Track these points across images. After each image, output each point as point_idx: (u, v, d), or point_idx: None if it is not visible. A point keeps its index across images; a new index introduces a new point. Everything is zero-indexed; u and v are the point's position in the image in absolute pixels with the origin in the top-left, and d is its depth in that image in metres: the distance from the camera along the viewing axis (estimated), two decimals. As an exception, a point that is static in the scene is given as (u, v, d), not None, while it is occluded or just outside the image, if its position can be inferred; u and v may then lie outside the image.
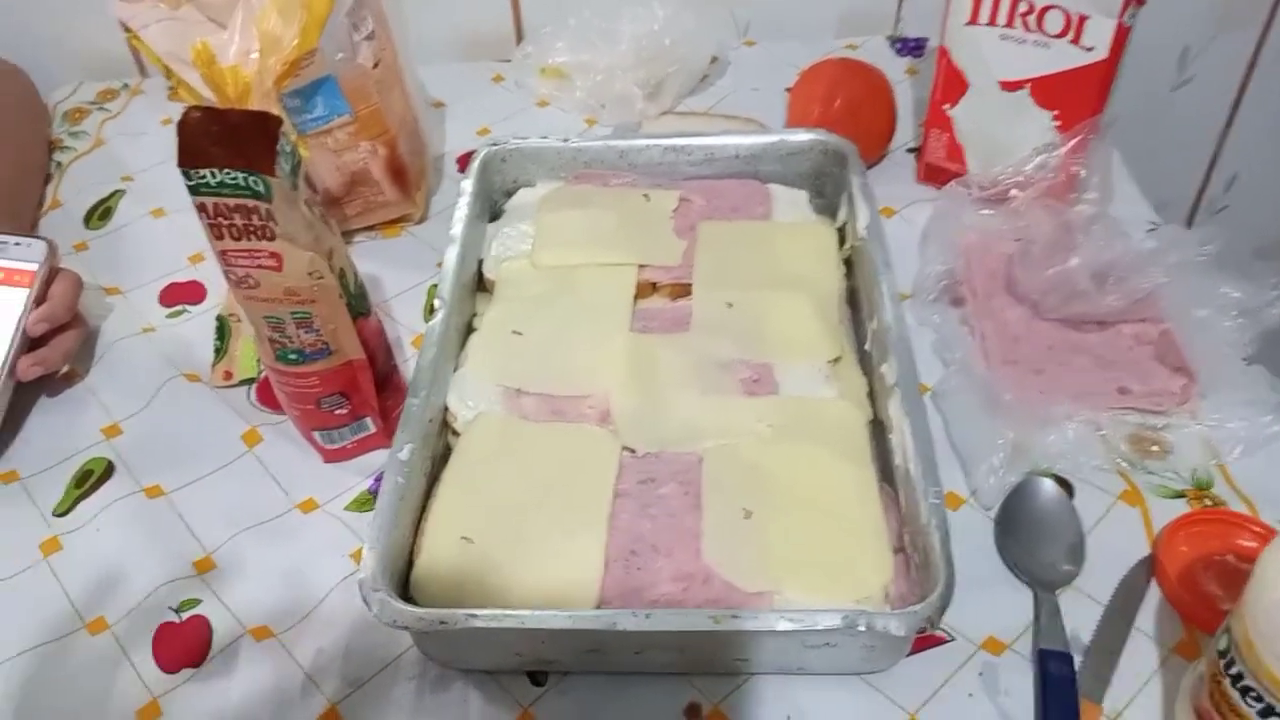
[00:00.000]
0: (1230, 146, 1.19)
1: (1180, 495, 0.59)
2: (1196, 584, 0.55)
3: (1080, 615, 0.54)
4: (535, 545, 0.52)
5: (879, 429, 0.60)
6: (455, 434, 0.60)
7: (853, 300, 0.69)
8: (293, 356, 0.57)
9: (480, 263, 0.71)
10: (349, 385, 0.59)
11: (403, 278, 0.76)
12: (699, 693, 0.52)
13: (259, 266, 0.53)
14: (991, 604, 0.54)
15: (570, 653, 0.51)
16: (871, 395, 0.62)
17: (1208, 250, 0.64)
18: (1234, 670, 0.42)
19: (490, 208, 0.76)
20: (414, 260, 0.77)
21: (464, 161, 0.86)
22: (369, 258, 0.77)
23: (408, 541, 0.53)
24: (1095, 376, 0.65)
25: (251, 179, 0.49)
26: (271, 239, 0.52)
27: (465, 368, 0.63)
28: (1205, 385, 0.63)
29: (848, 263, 0.71)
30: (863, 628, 0.46)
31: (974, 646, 0.53)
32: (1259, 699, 0.41)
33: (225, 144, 0.49)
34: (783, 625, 0.47)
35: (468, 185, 0.73)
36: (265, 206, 0.50)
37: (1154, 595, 0.55)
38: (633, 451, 0.58)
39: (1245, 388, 0.62)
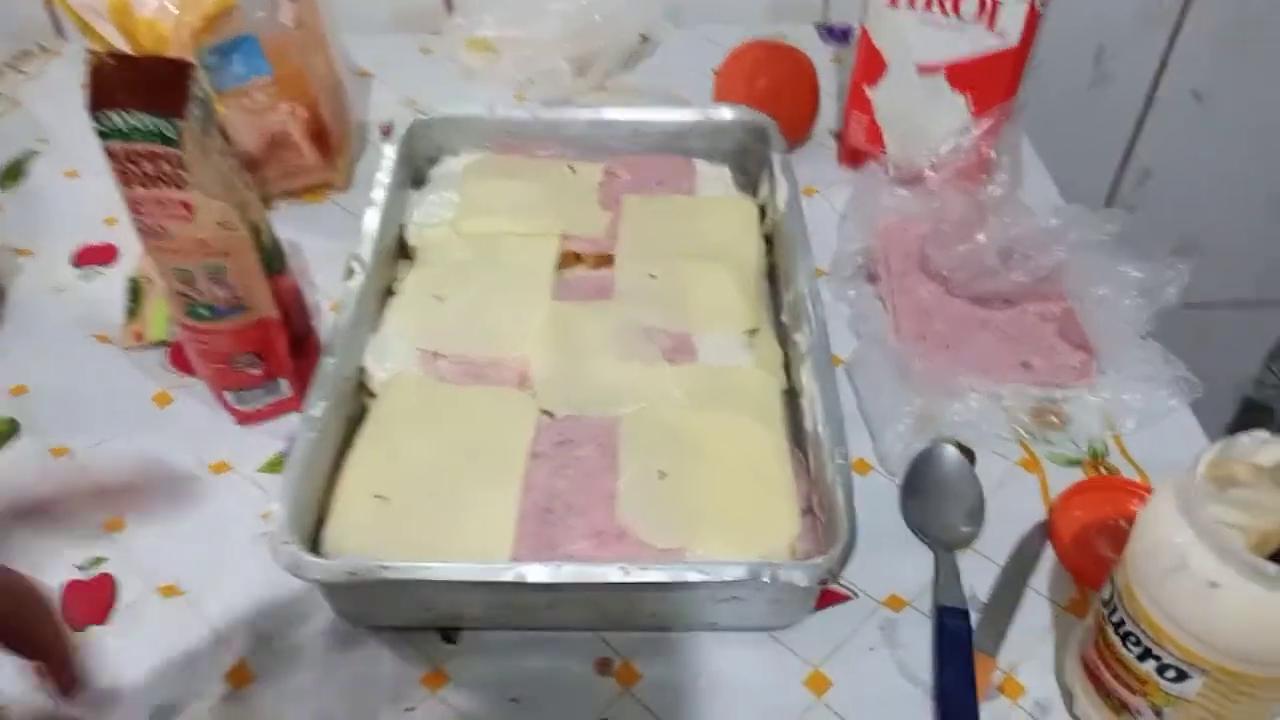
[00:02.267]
0: (1141, 144, 1.24)
1: (1076, 463, 0.62)
2: (1089, 546, 0.57)
3: (978, 575, 0.56)
4: (449, 503, 0.53)
5: (792, 398, 0.61)
6: (371, 396, 0.60)
7: (772, 276, 0.70)
8: (204, 312, 0.56)
9: (402, 229, 0.71)
10: (262, 344, 0.59)
11: (324, 244, 0.75)
12: (610, 648, 0.52)
13: (170, 216, 0.52)
14: (894, 563, 0.56)
15: (482, 607, 0.52)
16: (787, 366, 0.63)
17: (1110, 230, 0.67)
18: (1116, 617, 0.45)
19: (414, 175, 0.75)
20: (336, 227, 0.77)
21: (389, 129, 0.85)
22: (290, 223, 0.76)
23: (319, 499, 0.53)
24: (1000, 351, 0.68)
25: (162, 124, 0.48)
26: (182, 187, 0.51)
27: (383, 330, 0.63)
28: (1104, 361, 0.66)
29: (768, 239, 0.72)
30: (767, 578, 0.47)
31: (876, 603, 0.55)
32: (1138, 643, 0.43)
33: (136, 89, 0.48)
34: (690, 576, 0.48)
35: (391, 151, 0.72)
36: (176, 153, 0.50)
37: (1048, 557, 0.57)
38: (551, 415, 0.59)
39: (1142, 363, 0.65)
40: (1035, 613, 0.55)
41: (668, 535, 0.52)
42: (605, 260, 0.69)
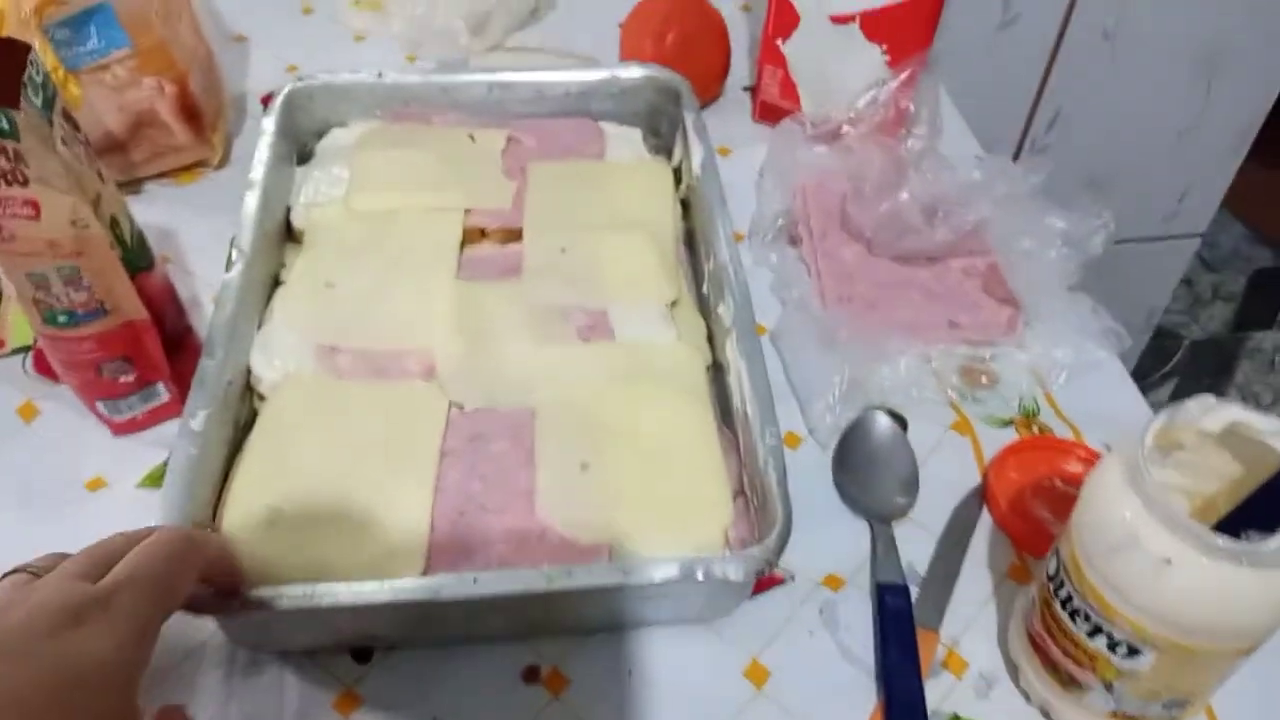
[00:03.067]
0: (1052, 85, 1.23)
1: (1008, 424, 0.60)
2: (1026, 510, 0.56)
3: (915, 546, 0.54)
4: (353, 513, 0.48)
5: (718, 372, 0.58)
6: (262, 398, 0.55)
7: (690, 242, 0.67)
8: (62, 319, 0.50)
9: (288, 210, 0.65)
10: (132, 349, 0.53)
11: (201, 229, 0.69)
12: (536, 655, 0.49)
13: (13, 216, 0.46)
14: (829, 540, 0.54)
15: (395, 626, 0.48)
16: (710, 338, 0.60)
17: (1033, 181, 0.65)
18: (1063, 593, 0.43)
19: (298, 150, 0.70)
20: (213, 209, 0.70)
21: (269, 99, 0.79)
22: (161, 207, 0.70)
23: (206, 517, 0.48)
24: (926, 310, 0.65)
25: (-8, 114, 0.42)
26: (25, 184, 0.45)
27: (270, 324, 0.57)
28: (1031, 315, 0.64)
29: (684, 203, 0.68)
30: (701, 577, 0.44)
31: (814, 584, 0.53)
32: (1087, 619, 0.41)
33: (-44, 74, 0.42)
34: (617, 579, 0.44)
35: (269, 124, 0.66)
36: (13, 146, 0.44)
37: (985, 523, 0.56)
38: (461, 408, 0.54)
39: (1070, 316, 0.64)
40: (975, 582, 0.53)
41: (592, 531, 0.48)
42: (513, 235, 0.65)
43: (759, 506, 0.50)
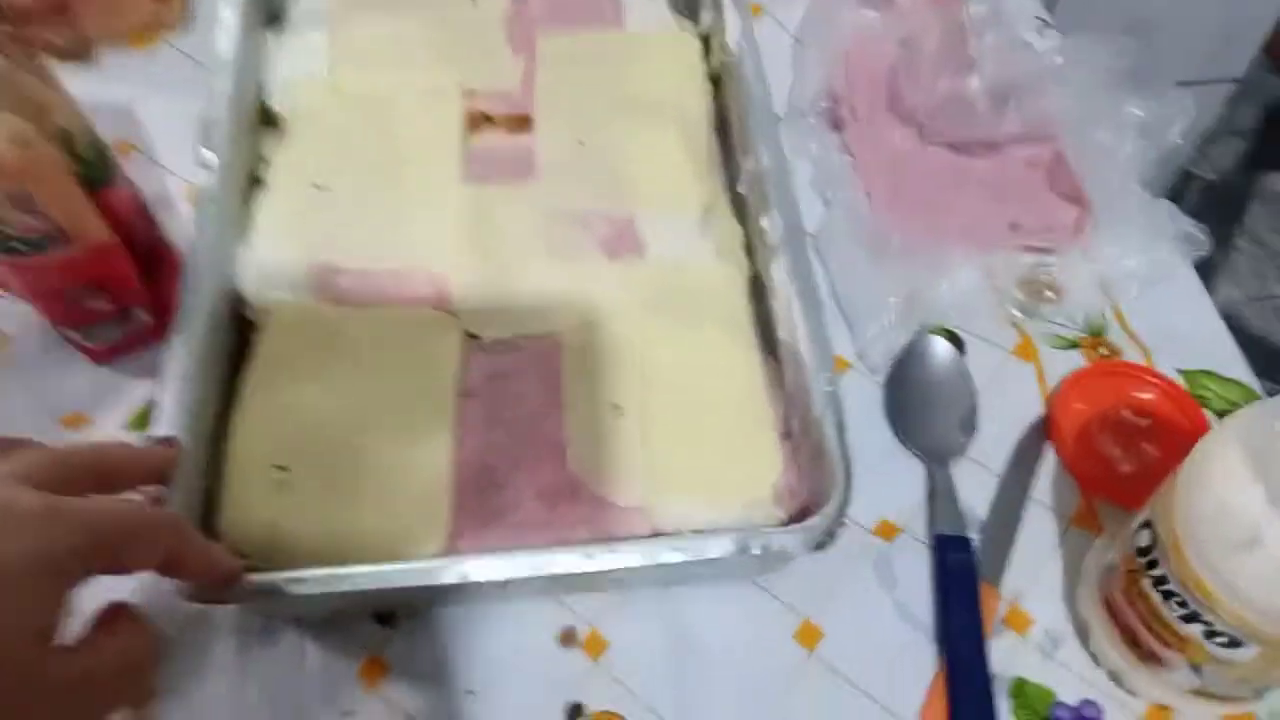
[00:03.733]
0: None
1: (1074, 345, 0.55)
2: (1093, 446, 0.51)
3: (975, 487, 0.50)
4: (369, 472, 0.43)
5: (757, 289, 0.52)
6: (252, 326, 0.49)
7: (721, 126, 0.59)
8: (20, 246, 0.43)
9: (261, 89, 0.56)
10: (102, 274, 0.46)
11: (165, 105, 0.61)
12: (573, 614, 0.46)
13: (-62, 135, 0.38)
14: (883, 482, 0.50)
15: (421, 598, 0.44)
16: (748, 246, 0.54)
17: (1120, 65, 0.57)
18: (1156, 572, 0.39)
19: (269, 10, 0.60)
20: (177, 80, 0.61)
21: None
22: (117, 81, 0.62)
23: (202, 471, 0.43)
24: (985, 209, 0.59)
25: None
26: (-50, 99, 0.37)
27: (254, 237, 0.50)
28: (1100, 216, 0.58)
29: (714, 78, 0.60)
30: (757, 551, 0.40)
31: (866, 532, 0.49)
32: (1183, 604, 0.38)
33: None
34: (668, 557, 0.40)
35: (237, -17, 0.57)
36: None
37: (1050, 460, 0.52)
38: (478, 338, 0.49)
39: (1143, 219, 0.57)
40: (1039, 528, 0.49)
41: (631, 490, 0.44)
42: (522, 122, 0.57)
43: (812, 456, 0.45)
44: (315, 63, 0.57)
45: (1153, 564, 0.39)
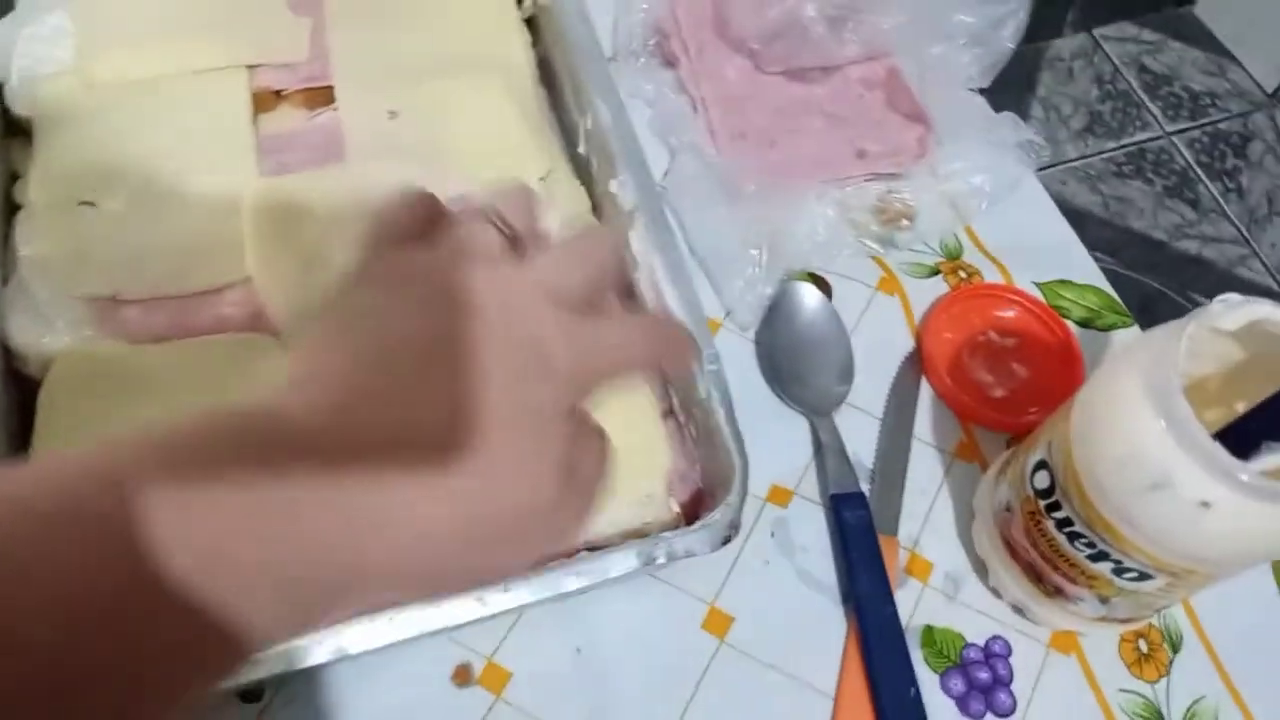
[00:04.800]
0: None
1: (935, 272, 0.54)
2: (965, 373, 0.51)
3: (859, 435, 0.49)
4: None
5: (612, 254, 0.48)
6: (33, 381, 0.41)
7: (545, 76, 0.54)
8: None
9: (0, 91, 0.47)
10: None
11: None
12: (466, 649, 0.42)
13: None
14: (767, 444, 0.46)
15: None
16: (596, 210, 0.49)
17: (950, -24, 0.55)
18: (1059, 514, 0.38)
19: (-10, -7, 0.50)
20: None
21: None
22: None
23: None
24: (830, 139, 0.57)
25: None
26: None
27: (21, 273, 0.42)
28: (942, 133, 0.57)
29: (529, 22, 0.55)
30: (662, 559, 0.37)
31: (760, 501, 0.47)
32: (1091, 545, 0.38)
33: None
34: (569, 584, 0.37)
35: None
36: None
37: (925, 395, 0.51)
38: (308, 359, 0.43)
39: (981, 130, 0.57)
40: (924, 466, 0.49)
41: (514, 508, 0.40)
42: (319, 96, 0.50)
43: (701, 438, 0.42)
44: (58, 49, 0.48)
45: (1054, 506, 0.39)
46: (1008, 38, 0.58)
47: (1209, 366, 0.38)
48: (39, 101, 0.47)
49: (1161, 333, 0.35)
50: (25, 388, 0.41)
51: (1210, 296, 0.36)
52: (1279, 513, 0.33)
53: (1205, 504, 0.33)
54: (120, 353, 0.41)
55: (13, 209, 0.44)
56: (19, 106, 0.47)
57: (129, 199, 0.44)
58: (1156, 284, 1.37)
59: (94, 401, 0.39)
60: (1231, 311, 0.35)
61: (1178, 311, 0.36)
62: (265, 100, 0.49)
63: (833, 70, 0.59)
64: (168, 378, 0.41)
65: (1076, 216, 1.54)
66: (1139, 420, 0.34)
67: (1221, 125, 1.66)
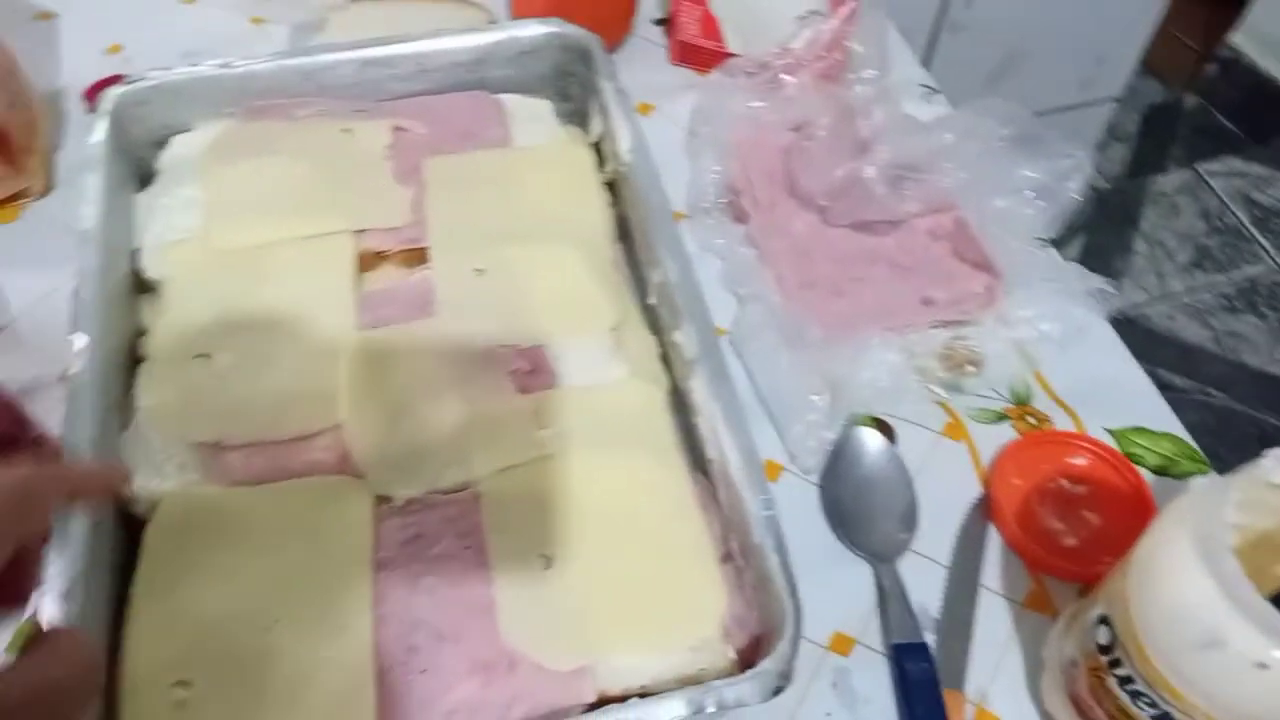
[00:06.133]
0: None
1: (1002, 417, 0.54)
2: (1034, 521, 0.50)
3: (924, 583, 0.49)
4: (277, 677, 0.40)
5: (677, 401, 0.50)
6: (142, 520, 0.45)
7: (622, 233, 0.58)
8: None
9: (135, 256, 0.53)
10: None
11: (33, 279, 0.57)
12: (523, 790, 0.42)
13: None
14: (830, 590, 0.48)
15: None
16: (664, 357, 0.52)
17: (1008, 134, 0.57)
18: (1120, 671, 0.38)
19: (137, 168, 0.57)
20: (45, 250, 0.58)
21: (94, 94, 0.65)
22: (-25, 261, 0.58)
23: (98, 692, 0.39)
24: (896, 288, 0.58)
25: None
26: None
27: (138, 421, 0.47)
28: (1010, 281, 0.58)
29: (609, 184, 0.59)
30: (712, 709, 0.38)
31: (821, 649, 0.47)
32: (1153, 704, 0.36)
33: None
34: (618, 729, 0.38)
35: (98, 146, 0.54)
36: None
37: (994, 543, 0.50)
38: (389, 500, 0.46)
39: (1050, 279, 0.57)
40: (993, 616, 0.48)
41: (570, 652, 0.41)
42: (417, 256, 0.55)
43: (755, 584, 0.43)
44: (189, 217, 0.54)
45: (1116, 663, 0.38)
46: (1073, 190, 0.59)
47: (1269, 520, 0.38)
48: (167, 264, 0.53)
49: (1210, 486, 0.35)
50: (133, 527, 0.45)
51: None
52: (1345, 678, 0.31)
53: (1262, 665, 0.32)
54: (218, 495, 0.45)
55: (137, 361, 0.49)
56: (149, 270, 0.53)
57: (240, 352, 0.49)
58: (1274, 420, 1.31)
59: (192, 540, 0.43)
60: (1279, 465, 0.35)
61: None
62: (369, 260, 0.54)
63: (899, 222, 0.61)
64: (261, 519, 0.44)
65: (1186, 351, 1.50)
66: (1187, 576, 0.34)
67: (1338, 258, 1.61)
